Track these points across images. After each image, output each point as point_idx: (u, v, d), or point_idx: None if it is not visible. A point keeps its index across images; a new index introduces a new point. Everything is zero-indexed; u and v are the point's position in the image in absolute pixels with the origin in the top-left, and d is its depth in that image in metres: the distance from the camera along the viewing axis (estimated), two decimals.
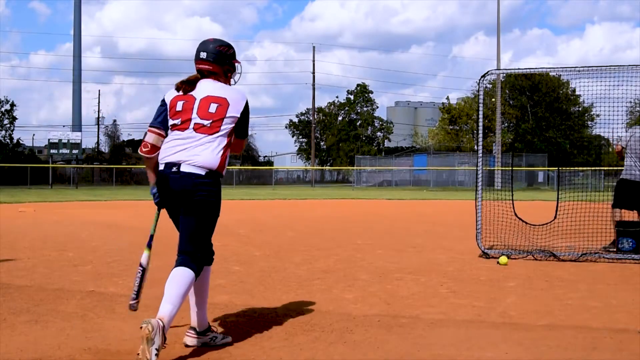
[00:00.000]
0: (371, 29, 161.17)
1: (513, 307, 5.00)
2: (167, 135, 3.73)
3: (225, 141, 3.69)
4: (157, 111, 3.79)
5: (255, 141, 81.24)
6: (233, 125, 3.71)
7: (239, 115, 3.71)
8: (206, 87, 3.73)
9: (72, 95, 52.15)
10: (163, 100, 3.79)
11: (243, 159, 70.11)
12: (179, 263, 3.62)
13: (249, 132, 3.89)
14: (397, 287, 5.84)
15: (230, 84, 3.87)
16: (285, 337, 4.05)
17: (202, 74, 3.80)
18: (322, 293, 5.53)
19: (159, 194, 3.74)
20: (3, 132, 51.57)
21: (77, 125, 50.12)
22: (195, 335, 3.83)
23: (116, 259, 7.38)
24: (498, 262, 7.17)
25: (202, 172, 3.59)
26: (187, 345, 3.81)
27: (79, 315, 4.58)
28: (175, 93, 3.75)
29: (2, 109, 51.37)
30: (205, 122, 3.64)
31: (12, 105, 51.95)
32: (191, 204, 3.62)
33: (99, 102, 67.02)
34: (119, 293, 5.39)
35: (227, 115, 3.67)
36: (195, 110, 3.66)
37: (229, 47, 3.83)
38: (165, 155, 3.67)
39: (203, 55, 3.76)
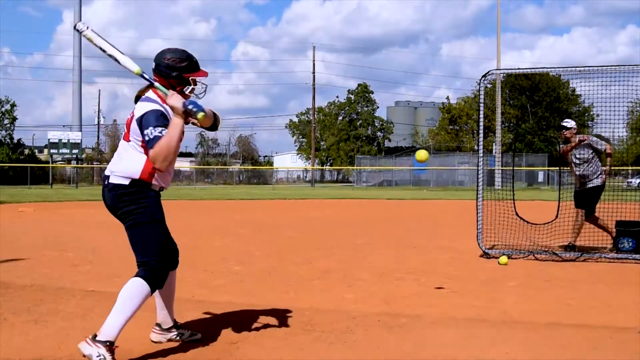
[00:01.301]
0: (371, 29, 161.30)
1: (513, 307, 5.00)
2: None
3: (143, 150, 3.51)
4: None
5: (255, 141, 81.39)
6: (141, 138, 3.49)
7: (136, 126, 3.49)
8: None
9: (72, 95, 52.15)
10: None
11: (243, 158, 70.16)
12: (135, 274, 3.58)
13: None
14: (397, 287, 5.84)
15: (186, 97, 3.56)
16: (285, 337, 4.05)
17: (154, 85, 3.61)
18: (322, 293, 5.53)
19: None
20: (3, 132, 51.61)
21: (77, 125, 50.08)
22: (160, 332, 3.91)
23: (116, 259, 7.38)
24: (498, 262, 7.17)
25: (126, 182, 3.53)
26: (152, 341, 3.88)
27: (79, 315, 4.58)
28: None
29: (3, 109, 51.39)
30: (125, 129, 3.62)
31: (13, 105, 51.98)
32: (120, 216, 3.59)
33: (99, 102, 66.99)
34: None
35: (131, 125, 3.54)
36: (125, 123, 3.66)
37: (182, 59, 3.58)
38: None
39: (152, 65, 3.62)
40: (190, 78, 3.60)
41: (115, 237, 9.51)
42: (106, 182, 3.59)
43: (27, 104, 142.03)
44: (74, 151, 40.66)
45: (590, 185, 8.11)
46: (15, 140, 52.70)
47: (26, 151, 54.69)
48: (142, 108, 3.50)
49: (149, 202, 3.57)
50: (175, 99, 3.42)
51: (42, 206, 18.01)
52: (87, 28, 3.58)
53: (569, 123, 8.39)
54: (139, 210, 3.55)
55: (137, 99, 3.65)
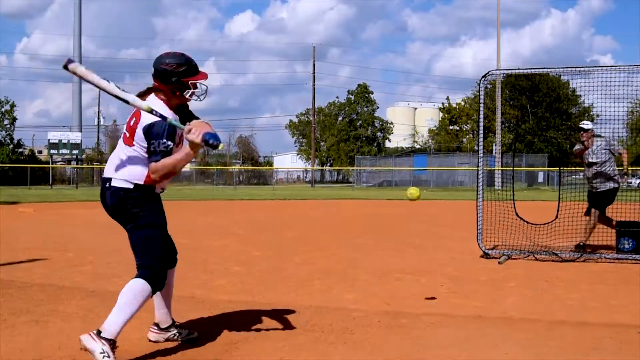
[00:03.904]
0: (371, 29, 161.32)
1: (513, 307, 5.00)
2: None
3: (147, 158, 3.51)
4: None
5: (255, 141, 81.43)
6: (145, 144, 3.49)
7: (142, 135, 3.48)
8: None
9: (72, 96, 52.15)
10: None
11: (243, 159, 70.16)
12: (135, 276, 3.59)
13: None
14: (397, 287, 5.84)
15: (185, 101, 3.64)
16: (285, 337, 4.05)
17: (154, 88, 3.63)
18: (322, 293, 5.53)
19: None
20: (3, 133, 51.57)
21: (77, 126, 50.08)
22: (158, 331, 3.92)
23: (116, 259, 7.38)
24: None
25: (130, 186, 3.53)
26: (150, 340, 3.89)
27: (79, 315, 4.58)
28: None
29: (2, 110, 51.36)
30: (126, 133, 3.58)
31: (12, 105, 51.95)
32: (123, 219, 3.60)
33: (99, 102, 66.98)
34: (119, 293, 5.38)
35: (137, 130, 3.51)
36: (125, 124, 3.64)
37: (180, 64, 3.54)
38: (105, 171, 3.67)
39: (152, 70, 3.61)
40: (189, 82, 3.58)
41: (115, 237, 9.51)
42: (107, 185, 3.57)
43: (27, 105, 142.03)
44: (74, 152, 40.60)
45: (602, 188, 8.07)
46: (15, 141, 52.67)
47: (26, 152, 54.66)
48: (150, 117, 3.45)
49: (152, 206, 3.60)
50: (194, 135, 3.33)
51: (42, 206, 18.00)
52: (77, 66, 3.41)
53: (587, 125, 8.30)
54: (141, 213, 3.56)
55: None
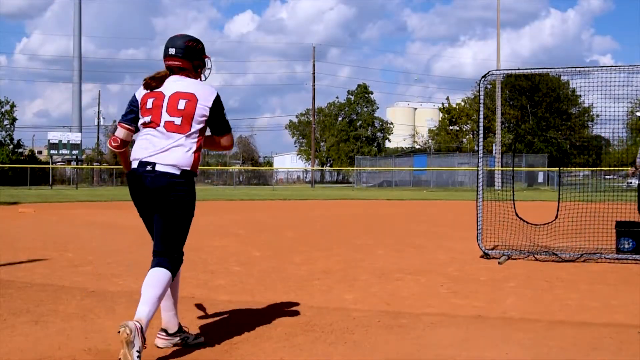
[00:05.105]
0: (371, 29, 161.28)
1: (513, 307, 5.00)
2: (137, 131, 3.69)
3: (196, 140, 3.62)
4: (127, 107, 3.72)
5: (255, 142, 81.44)
6: (204, 122, 3.65)
7: (208, 112, 3.63)
8: (175, 84, 3.65)
9: (71, 96, 52.14)
10: (134, 97, 3.70)
11: (243, 159, 70.15)
12: (155, 264, 3.57)
13: (231, 128, 3.81)
14: (397, 287, 5.84)
15: (201, 79, 3.81)
16: (285, 337, 4.05)
17: (172, 71, 3.69)
18: (322, 293, 5.53)
19: (130, 192, 3.67)
20: (3, 133, 51.58)
21: (77, 126, 50.07)
22: (166, 337, 3.81)
23: (116, 259, 7.38)
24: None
25: (177, 172, 3.53)
26: (158, 347, 3.78)
27: (79, 315, 4.58)
28: (145, 91, 3.67)
29: (2, 110, 51.36)
30: (176, 120, 3.56)
31: (12, 106, 51.95)
32: (165, 203, 3.54)
33: (98, 102, 67.02)
34: (119, 293, 5.38)
35: (196, 111, 3.59)
36: (164, 108, 3.57)
37: (198, 42, 3.77)
38: (138, 154, 3.59)
39: (172, 51, 3.67)
40: (205, 59, 3.85)
41: (115, 237, 9.52)
42: (149, 168, 3.51)
43: (27, 105, 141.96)
44: (74, 152, 40.58)
45: None
46: (15, 141, 52.68)
47: (26, 152, 54.67)
48: (206, 90, 3.67)
49: (194, 195, 3.68)
50: None
51: (42, 207, 18.00)
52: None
53: None
54: (185, 201, 3.60)
55: (151, 86, 3.62)
